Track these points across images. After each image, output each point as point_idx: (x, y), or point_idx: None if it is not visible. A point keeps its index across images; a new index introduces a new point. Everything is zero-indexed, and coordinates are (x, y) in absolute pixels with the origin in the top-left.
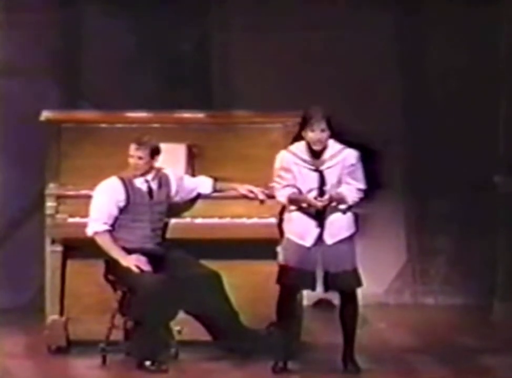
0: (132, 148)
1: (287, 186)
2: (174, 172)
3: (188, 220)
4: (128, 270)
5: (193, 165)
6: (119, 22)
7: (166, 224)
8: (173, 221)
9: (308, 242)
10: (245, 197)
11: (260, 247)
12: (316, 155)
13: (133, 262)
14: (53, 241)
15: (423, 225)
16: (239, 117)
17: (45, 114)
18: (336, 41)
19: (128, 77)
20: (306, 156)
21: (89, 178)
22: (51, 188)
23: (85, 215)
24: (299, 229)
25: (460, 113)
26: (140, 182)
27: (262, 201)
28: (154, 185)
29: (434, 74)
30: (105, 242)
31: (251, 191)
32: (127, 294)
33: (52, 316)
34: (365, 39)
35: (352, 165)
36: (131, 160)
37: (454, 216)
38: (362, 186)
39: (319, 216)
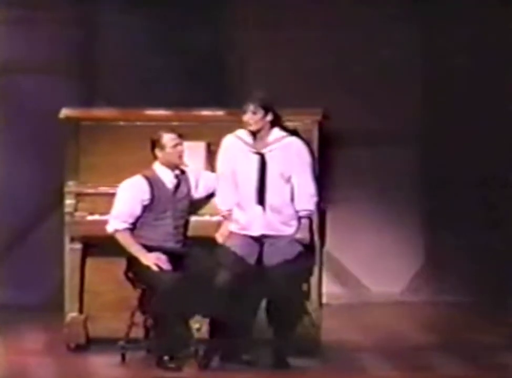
0: (173, 137)
1: (228, 188)
2: (190, 168)
3: (207, 217)
4: (146, 267)
5: (212, 163)
6: (136, 19)
7: (187, 222)
8: (192, 219)
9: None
10: None
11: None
12: (258, 139)
13: (153, 261)
14: (72, 239)
15: (440, 223)
16: None
17: (64, 112)
18: (353, 38)
19: (146, 75)
20: (249, 139)
21: (108, 175)
22: (70, 185)
23: (104, 213)
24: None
25: (476, 111)
26: (169, 179)
27: None
28: (179, 181)
29: (450, 73)
30: (125, 240)
31: None
32: (146, 292)
33: (71, 314)
34: (383, 35)
35: (298, 155)
36: (177, 149)
37: (472, 214)
38: (312, 190)
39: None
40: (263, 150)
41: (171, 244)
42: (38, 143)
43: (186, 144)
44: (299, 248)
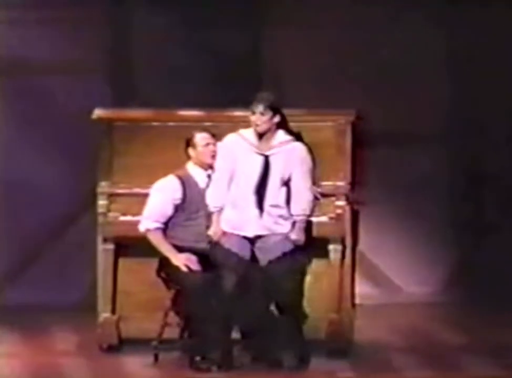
0: (205, 136)
1: (223, 185)
2: None
3: None
4: (177, 268)
5: None
6: (168, 19)
7: None
8: None
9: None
10: None
11: (312, 245)
12: (264, 141)
13: (183, 261)
14: (105, 240)
15: (471, 224)
16: (290, 115)
17: (97, 112)
18: (385, 38)
19: (179, 75)
20: (253, 139)
21: (141, 176)
22: (103, 186)
23: (137, 213)
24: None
25: (503, 110)
26: (201, 178)
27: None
28: None
29: (476, 71)
30: (156, 240)
31: None
32: (180, 292)
33: (104, 314)
34: (411, 36)
35: (301, 161)
36: (208, 148)
37: (504, 214)
38: (311, 196)
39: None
40: (267, 152)
41: (203, 245)
42: (71, 143)
43: (219, 144)
44: (290, 245)
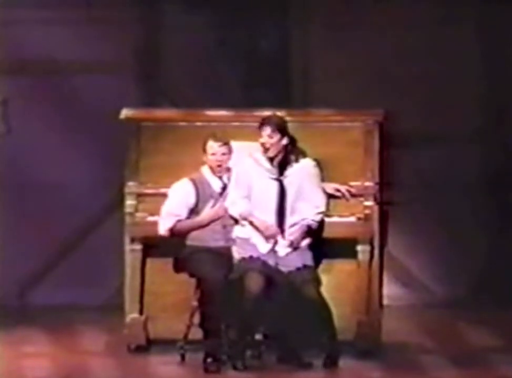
0: (215, 145)
1: (244, 197)
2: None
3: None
4: (199, 265)
5: None
6: (199, 20)
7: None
8: None
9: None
10: (330, 196)
11: (341, 246)
12: (276, 164)
13: (211, 215)
14: (132, 240)
15: (504, 224)
16: (318, 115)
17: (125, 112)
18: (417, 38)
19: (207, 75)
20: (267, 164)
21: (169, 176)
22: (131, 186)
23: None
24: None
25: None
26: (214, 180)
27: (348, 200)
28: (227, 182)
29: (510, 70)
30: (182, 228)
31: (338, 190)
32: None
33: (131, 315)
34: (448, 37)
35: (310, 175)
36: (214, 158)
37: None
38: (319, 202)
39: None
40: (281, 177)
41: (221, 243)
42: (99, 143)
43: (247, 145)
44: (311, 257)
